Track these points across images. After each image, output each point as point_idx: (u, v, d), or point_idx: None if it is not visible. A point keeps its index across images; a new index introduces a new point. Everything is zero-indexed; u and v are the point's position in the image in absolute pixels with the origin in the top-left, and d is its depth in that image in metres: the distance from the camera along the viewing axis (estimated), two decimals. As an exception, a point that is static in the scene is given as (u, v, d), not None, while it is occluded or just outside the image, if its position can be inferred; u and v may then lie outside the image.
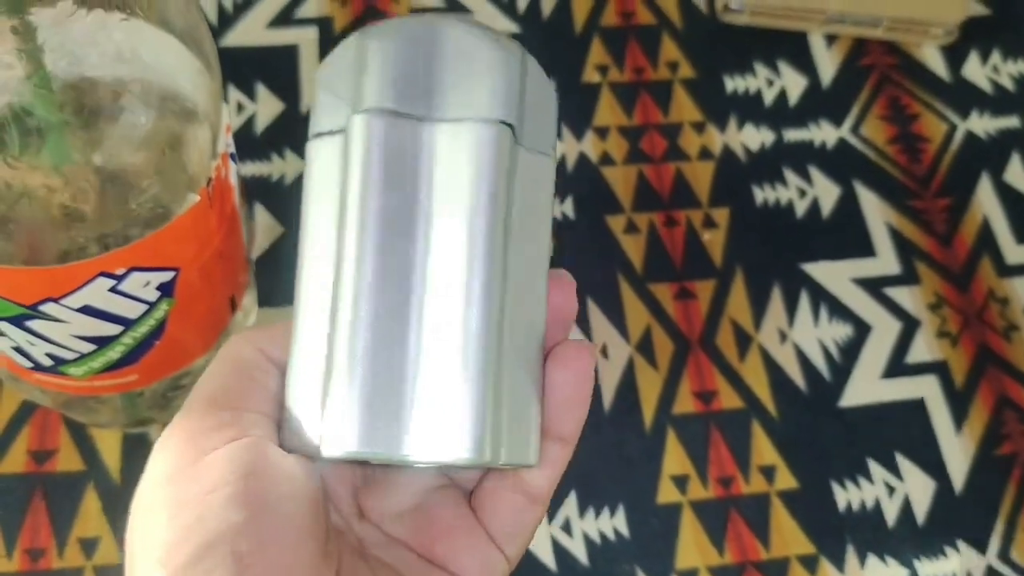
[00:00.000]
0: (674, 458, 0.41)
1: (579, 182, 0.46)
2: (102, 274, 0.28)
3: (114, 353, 0.32)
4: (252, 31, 0.49)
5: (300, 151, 0.46)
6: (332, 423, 0.21)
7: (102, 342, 0.31)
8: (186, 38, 0.27)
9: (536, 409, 0.22)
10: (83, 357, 0.32)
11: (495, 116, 0.22)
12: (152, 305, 0.31)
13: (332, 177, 0.22)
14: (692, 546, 0.39)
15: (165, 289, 0.31)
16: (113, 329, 0.31)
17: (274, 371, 0.23)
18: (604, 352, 0.43)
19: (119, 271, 0.29)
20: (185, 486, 0.21)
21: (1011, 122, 0.51)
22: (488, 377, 0.21)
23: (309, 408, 0.22)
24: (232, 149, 0.32)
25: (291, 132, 0.46)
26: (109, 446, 0.39)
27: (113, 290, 0.29)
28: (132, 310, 0.31)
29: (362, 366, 0.21)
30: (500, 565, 0.24)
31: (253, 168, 0.45)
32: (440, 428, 0.21)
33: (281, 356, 0.23)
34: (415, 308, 0.21)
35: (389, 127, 0.21)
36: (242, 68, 0.48)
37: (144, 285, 0.30)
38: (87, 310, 0.29)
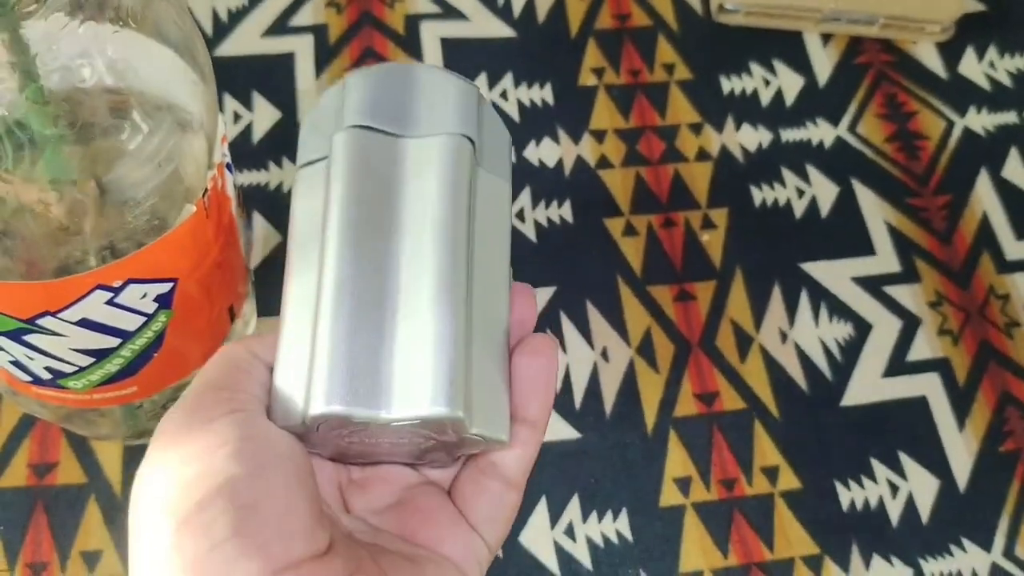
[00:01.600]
0: (676, 460, 0.41)
1: (577, 186, 0.46)
2: (99, 287, 0.28)
3: (113, 366, 0.32)
4: (248, 40, 0.49)
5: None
6: (317, 388, 0.22)
7: (101, 355, 0.31)
8: (180, 48, 0.27)
9: (504, 394, 0.24)
10: (82, 370, 0.32)
11: (457, 131, 0.25)
12: (150, 317, 0.31)
13: (317, 192, 0.25)
14: (696, 549, 0.39)
15: (163, 301, 0.31)
16: (111, 342, 0.31)
17: (262, 366, 0.24)
18: (605, 355, 0.43)
19: (116, 283, 0.28)
20: (189, 446, 0.22)
21: (1009, 118, 0.51)
22: (459, 349, 0.23)
23: (295, 389, 0.23)
24: (228, 159, 0.32)
25: (288, 141, 0.46)
26: (110, 458, 0.39)
27: (111, 303, 0.29)
28: (130, 322, 0.31)
29: (344, 342, 0.23)
30: (482, 550, 0.25)
31: (251, 177, 0.45)
32: (416, 387, 0.23)
33: (269, 357, 0.24)
34: (391, 295, 0.23)
35: (367, 139, 0.25)
36: (238, 77, 0.48)
37: (142, 297, 0.30)
38: (85, 323, 0.29)
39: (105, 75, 0.24)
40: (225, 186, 0.31)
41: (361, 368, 0.23)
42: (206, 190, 0.29)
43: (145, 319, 0.31)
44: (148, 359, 0.33)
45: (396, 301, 0.23)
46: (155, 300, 0.31)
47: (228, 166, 0.32)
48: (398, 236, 0.24)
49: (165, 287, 0.30)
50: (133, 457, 0.39)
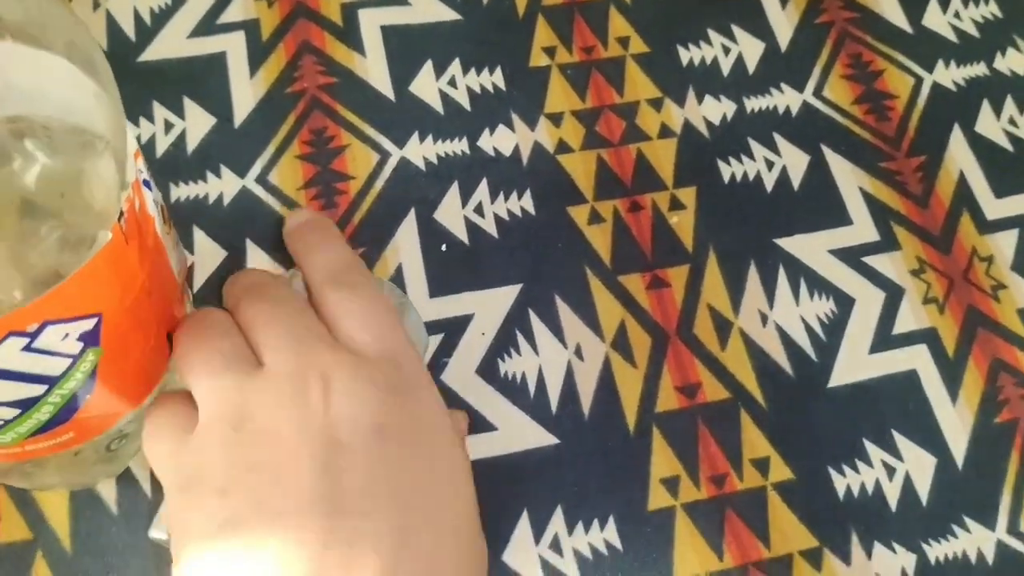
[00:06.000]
0: (662, 459, 0.38)
1: (536, 174, 0.44)
2: (11, 334, 0.25)
3: (43, 415, 0.29)
4: (174, 42, 0.45)
5: (236, 167, 0.43)
6: None
7: (26, 405, 0.28)
8: (73, 58, 0.24)
9: None
10: (8, 424, 0.29)
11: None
12: (76, 358, 0.28)
13: None
14: (690, 552, 0.37)
15: (88, 339, 0.28)
16: (36, 390, 0.28)
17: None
18: (579, 353, 0.40)
19: (31, 327, 0.26)
20: None
21: (978, 70, 0.49)
22: None
23: None
24: (145, 175, 0.29)
25: (225, 148, 0.43)
26: (56, 509, 0.36)
27: (28, 348, 0.26)
28: (54, 367, 0.28)
29: None
30: None
31: (187, 190, 0.42)
32: None
33: None
34: None
35: None
36: (167, 83, 0.44)
37: (63, 338, 0.27)
38: (2, 374, 0.26)
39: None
40: (144, 205, 0.28)
41: None
42: (122, 213, 0.26)
43: (71, 360, 0.28)
44: (81, 402, 0.30)
45: None
46: (79, 339, 0.28)
47: (146, 183, 0.29)
48: None
49: (89, 324, 0.28)
50: (81, 505, 0.36)
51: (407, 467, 0.29)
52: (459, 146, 0.44)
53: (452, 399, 0.39)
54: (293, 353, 0.31)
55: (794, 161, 0.45)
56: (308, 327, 0.32)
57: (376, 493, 0.28)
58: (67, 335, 0.27)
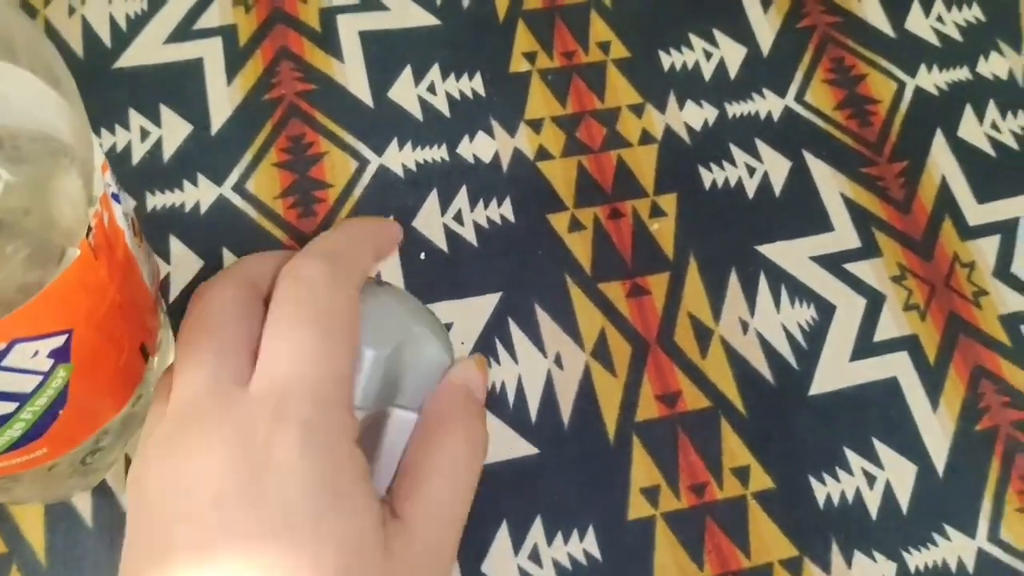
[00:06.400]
0: (642, 469, 0.38)
1: (516, 181, 0.44)
2: (-22, 352, 0.25)
3: (15, 431, 0.29)
4: (150, 48, 0.45)
5: (213, 176, 0.42)
6: None
7: (-4, 422, 0.28)
8: (36, 70, 0.23)
9: None
10: (-23, 440, 0.29)
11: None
12: (47, 375, 0.28)
13: None
14: (670, 563, 0.37)
15: (59, 355, 0.28)
16: (7, 407, 0.28)
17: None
18: (558, 362, 0.40)
19: (-1, 346, 0.25)
20: None
21: (961, 74, 0.49)
22: None
23: None
24: (114, 189, 0.28)
25: (202, 155, 0.43)
26: (31, 524, 0.36)
27: (-4, 366, 0.26)
28: (24, 384, 0.27)
29: None
30: None
31: (163, 199, 0.42)
32: None
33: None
34: None
35: None
36: (143, 90, 0.44)
37: (32, 356, 0.27)
38: (-30, 392, 0.26)
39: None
40: (114, 219, 0.28)
41: None
42: (90, 228, 0.26)
43: (42, 377, 0.28)
44: (54, 417, 0.30)
45: None
46: (49, 356, 0.27)
47: (115, 196, 0.29)
48: None
49: (59, 340, 0.27)
50: (56, 519, 0.36)
51: None
52: (438, 153, 0.44)
53: (431, 409, 0.38)
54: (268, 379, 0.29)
55: (776, 167, 0.45)
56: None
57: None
58: (37, 352, 0.27)
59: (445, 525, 0.29)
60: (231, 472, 0.27)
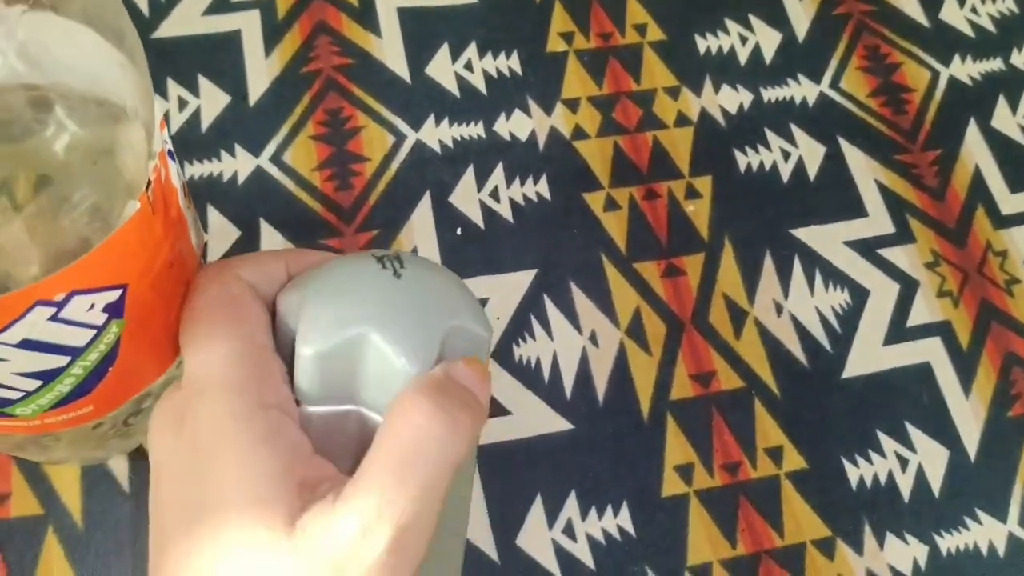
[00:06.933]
0: (676, 447, 0.38)
1: (552, 159, 0.44)
2: (40, 303, 0.25)
3: (64, 387, 0.29)
4: (189, 19, 0.45)
5: (250, 147, 0.42)
6: None
7: (49, 376, 0.28)
8: (102, 27, 0.23)
9: None
10: (29, 395, 0.29)
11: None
12: (100, 329, 0.28)
13: None
14: (703, 540, 0.37)
15: (113, 310, 0.28)
16: (60, 361, 0.28)
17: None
18: (594, 339, 0.40)
19: (58, 297, 0.25)
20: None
21: (995, 65, 0.49)
22: None
23: None
24: (170, 146, 0.29)
25: (240, 126, 0.43)
26: (67, 484, 0.36)
27: (54, 318, 0.26)
28: (78, 337, 0.27)
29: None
30: None
31: (201, 168, 0.42)
32: None
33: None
34: None
35: None
36: (181, 60, 0.44)
37: (89, 309, 0.27)
38: (27, 344, 0.26)
39: (21, 64, 0.21)
40: (169, 176, 0.28)
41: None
42: (149, 182, 0.26)
43: (95, 332, 0.28)
44: (103, 375, 0.30)
45: None
46: (104, 310, 0.27)
47: (170, 153, 0.29)
48: None
49: (114, 295, 0.27)
50: (93, 481, 0.36)
51: None
52: (475, 130, 0.44)
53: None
54: None
55: (810, 152, 0.45)
56: None
57: None
58: (92, 306, 0.27)
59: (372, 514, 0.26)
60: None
